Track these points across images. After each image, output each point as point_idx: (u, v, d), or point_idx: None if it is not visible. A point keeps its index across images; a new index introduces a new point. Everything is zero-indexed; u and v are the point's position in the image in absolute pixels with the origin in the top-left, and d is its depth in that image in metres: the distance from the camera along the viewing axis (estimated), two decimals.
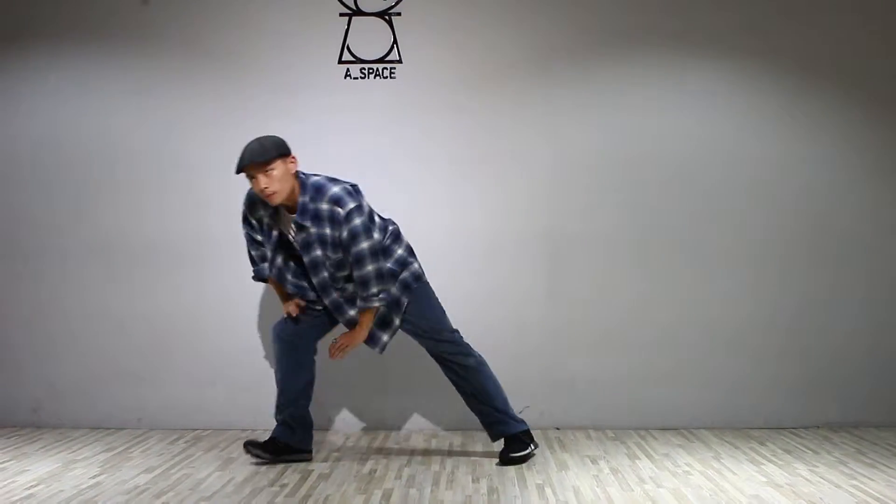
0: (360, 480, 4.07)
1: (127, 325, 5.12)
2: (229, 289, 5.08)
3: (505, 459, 4.34)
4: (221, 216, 5.03)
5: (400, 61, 5.07)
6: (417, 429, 5.06)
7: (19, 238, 5.14)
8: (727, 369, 5.06)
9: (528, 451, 4.36)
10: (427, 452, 4.57)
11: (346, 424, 5.08)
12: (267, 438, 4.39)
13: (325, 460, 4.42)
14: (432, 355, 4.44)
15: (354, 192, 4.19)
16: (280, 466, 4.27)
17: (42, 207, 5.13)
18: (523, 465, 4.30)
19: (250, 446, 4.34)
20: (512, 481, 4.05)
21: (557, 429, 5.02)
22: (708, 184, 5.03)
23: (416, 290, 4.34)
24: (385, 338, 4.34)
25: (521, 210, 4.95)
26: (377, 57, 5.07)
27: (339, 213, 4.06)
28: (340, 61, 5.08)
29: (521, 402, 4.92)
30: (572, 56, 5.01)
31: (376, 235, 4.18)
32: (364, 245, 4.09)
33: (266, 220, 4.28)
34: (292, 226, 4.19)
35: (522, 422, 4.42)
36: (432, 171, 5.05)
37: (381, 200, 5.02)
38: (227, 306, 5.10)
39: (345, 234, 4.07)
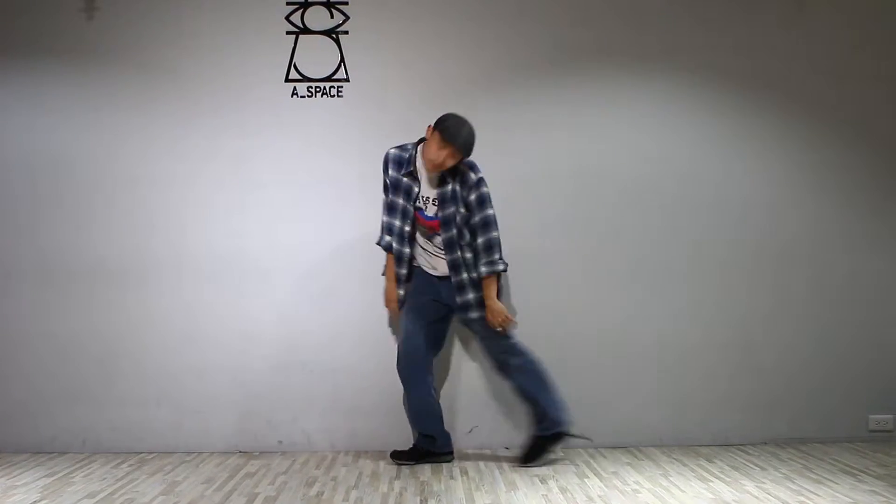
0: (307, 503, 4.03)
1: (70, 345, 5.02)
2: (174, 308, 5.02)
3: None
4: (165, 234, 4.99)
5: (347, 80, 5.05)
6: (366, 450, 5.02)
7: None
8: (674, 387, 5.09)
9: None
10: (375, 474, 4.53)
11: (294, 446, 5.03)
12: (411, 447, 4.79)
13: (272, 483, 4.36)
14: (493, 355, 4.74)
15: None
16: (226, 490, 4.22)
17: None
18: (472, 485, 4.29)
19: (395, 457, 4.75)
20: (461, 501, 4.03)
21: (507, 448, 5.01)
22: (656, 202, 5.06)
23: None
24: (474, 315, 4.62)
25: None
26: (324, 76, 5.05)
27: (471, 177, 4.50)
28: (287, 79, 5.05)
29: (471, 420, 4.94)
30: (520, 74, 5.03)
31: None
32: (490, 211, 4.53)
33: (405, 179, 4.60)
34: (429, 185, 4.58)
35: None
36: (380, 190, 5.02)
37: (327, 218, 5.01)
38: (171, 326, 5.02)
39: (472, 197, 4.50)
